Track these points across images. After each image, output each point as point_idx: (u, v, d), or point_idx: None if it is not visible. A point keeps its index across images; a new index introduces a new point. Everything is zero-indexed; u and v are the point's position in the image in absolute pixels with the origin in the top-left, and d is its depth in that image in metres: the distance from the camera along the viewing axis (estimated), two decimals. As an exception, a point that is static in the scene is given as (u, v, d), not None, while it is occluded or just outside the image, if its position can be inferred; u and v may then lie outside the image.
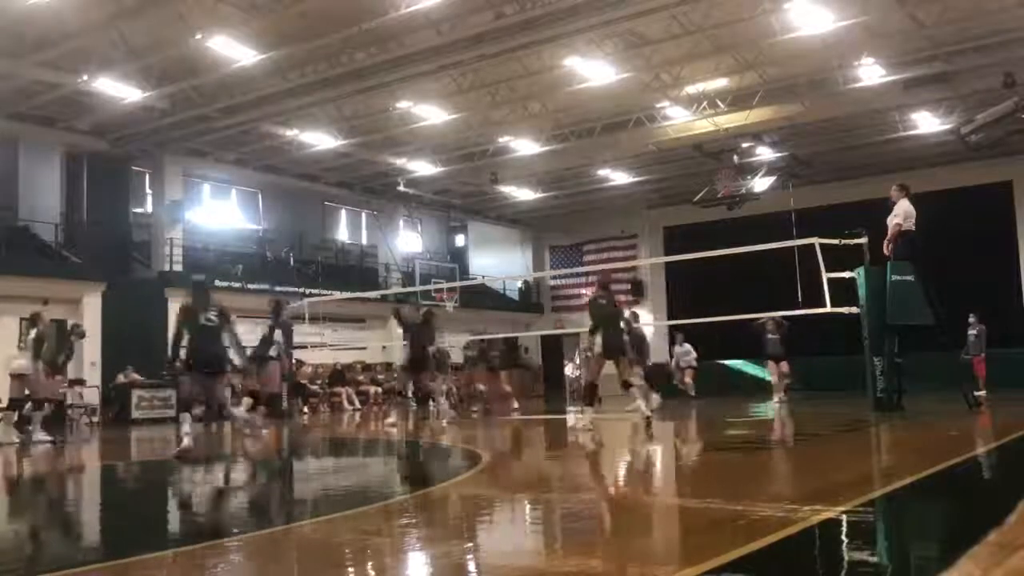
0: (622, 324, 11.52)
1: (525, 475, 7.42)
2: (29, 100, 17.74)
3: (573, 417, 13.53)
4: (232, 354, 9.12)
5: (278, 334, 12.03)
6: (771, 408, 15.18)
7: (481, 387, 19.33)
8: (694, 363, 18.37)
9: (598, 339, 10.62)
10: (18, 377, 12.10)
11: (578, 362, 22.90)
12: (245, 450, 10.06)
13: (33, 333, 12.07)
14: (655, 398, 13.26)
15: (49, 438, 11.89)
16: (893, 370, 11.09)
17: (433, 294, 24.39)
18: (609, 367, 11.04)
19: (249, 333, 20.86)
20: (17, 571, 3.92)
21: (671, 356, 18.90)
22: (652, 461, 8.58)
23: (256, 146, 21.48)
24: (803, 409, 14.13)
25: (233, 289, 21.31)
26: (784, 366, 16.37)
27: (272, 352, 11.92)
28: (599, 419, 11.60)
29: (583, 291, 30.19)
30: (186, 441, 8.50)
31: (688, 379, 18.20)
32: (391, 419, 13.96)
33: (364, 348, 24.03)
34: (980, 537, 3.59)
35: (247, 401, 12.11)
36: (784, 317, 15.79)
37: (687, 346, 18.45)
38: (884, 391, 11.05)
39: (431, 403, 14.54)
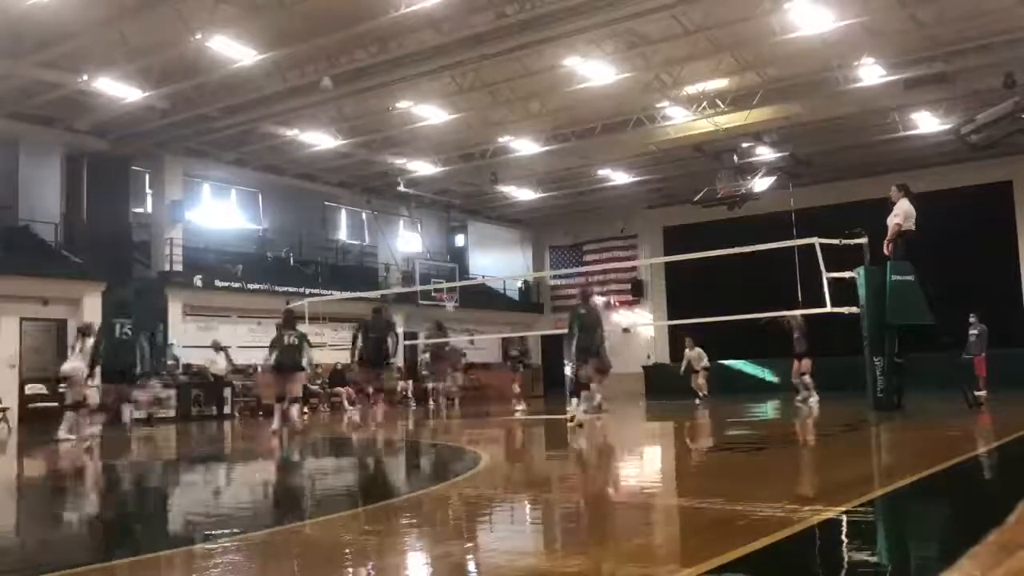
0: (597, 331, 12.29)
1: (525, 475, 7.43)
2: (29, 100, 17.74)
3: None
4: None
5: (305, 346, 12.49)
6: (799, 406, 14.99)
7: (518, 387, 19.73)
8: (707, 364, 18.82)
9: (575, 344, 11.99)
10: (67, 380, 12.34)
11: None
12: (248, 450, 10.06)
13: (90, 342, 12.18)
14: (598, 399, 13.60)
15: (72, 436, 12.10)
16: (893, 370, 11.08)
17: (433, 294, 24.40)
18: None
19: (251, 333, 21.23)
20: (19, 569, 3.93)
21: (678, 359, 19.28)
22: (652, 461, 8.59)
23: (256, 146, 21.47)
24: (803, 409, 14.12)
25: (233, 289, 21.38)
26: (807, 363, 16.21)
27: (304, 363, 12.40)
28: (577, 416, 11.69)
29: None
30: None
31: (702, 380, 18.66)
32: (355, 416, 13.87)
33: (364, 348, 24.00)
34: (980, 537, 3.59)
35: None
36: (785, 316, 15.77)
37: (699, 350, 18.88)
38: (884, 391, 11.03)
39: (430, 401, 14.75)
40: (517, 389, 20.46)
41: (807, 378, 15.69)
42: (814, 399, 15.13)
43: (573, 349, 12.05)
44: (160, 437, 13.65)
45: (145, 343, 10.80)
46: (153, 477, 8.60)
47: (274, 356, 12.31)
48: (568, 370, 25.27)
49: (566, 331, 12.31)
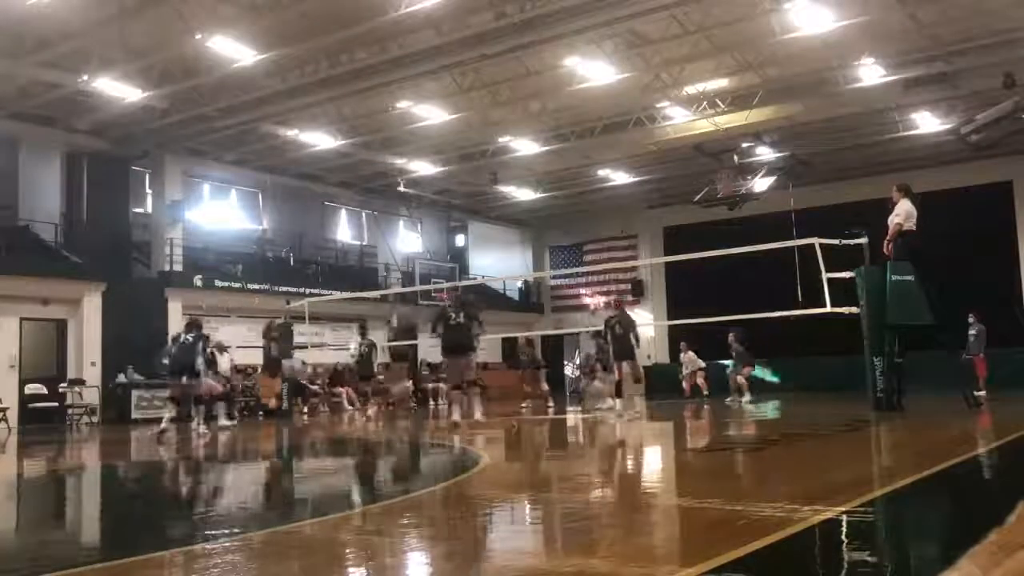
0: (631, 336, 13.65)
1: (525, 475, 7.42)
2: (29, 100, 17.74)
3: (612, 414, 13.94)
4: (199, 364, 12.55)
5: (374, 352, 15.46)
6: (769, 408, 15.22)
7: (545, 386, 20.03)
8: (703, 365, 19.87)
9: (611, 350, 13.78)
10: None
11: (578, 363, 23.37)
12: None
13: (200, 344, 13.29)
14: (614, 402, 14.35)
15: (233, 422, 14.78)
16: (893, 370, 11.07)
17: (433, 294, 24.40)
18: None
19: (250, 332, 21.20)
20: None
21: (679, 363, 20.61)
22: (652, 461, 8.59)
23: (256, 146, 21.47)
24: (803, 409, 14.13)
25: (233, 289, 21.36)
26: (747, 371, 17.64)
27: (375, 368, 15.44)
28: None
29: (583, 291, 30.31)
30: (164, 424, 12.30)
31: (700, 380, 19.69)
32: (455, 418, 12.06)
33: (364, 348, 24.00)
34: (980, 537, 3.59)
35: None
36: (784, 317, 15.84)
37: (691, 353, 20.06)
38: (884, 391, 11.03)
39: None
40: (546, 387, 20.64)
41: (741, 379, 17.25)
42: (746, 399, 16.75)
43: (611, 354, 13.82)
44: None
45: (202, 347, 12.76)
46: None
47: (356, 365, 16.07)
48: (569, 370, 25.62)
49: (602, 338, 14.16)
